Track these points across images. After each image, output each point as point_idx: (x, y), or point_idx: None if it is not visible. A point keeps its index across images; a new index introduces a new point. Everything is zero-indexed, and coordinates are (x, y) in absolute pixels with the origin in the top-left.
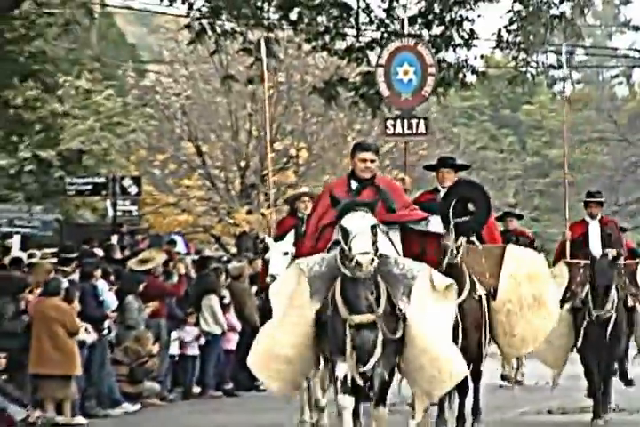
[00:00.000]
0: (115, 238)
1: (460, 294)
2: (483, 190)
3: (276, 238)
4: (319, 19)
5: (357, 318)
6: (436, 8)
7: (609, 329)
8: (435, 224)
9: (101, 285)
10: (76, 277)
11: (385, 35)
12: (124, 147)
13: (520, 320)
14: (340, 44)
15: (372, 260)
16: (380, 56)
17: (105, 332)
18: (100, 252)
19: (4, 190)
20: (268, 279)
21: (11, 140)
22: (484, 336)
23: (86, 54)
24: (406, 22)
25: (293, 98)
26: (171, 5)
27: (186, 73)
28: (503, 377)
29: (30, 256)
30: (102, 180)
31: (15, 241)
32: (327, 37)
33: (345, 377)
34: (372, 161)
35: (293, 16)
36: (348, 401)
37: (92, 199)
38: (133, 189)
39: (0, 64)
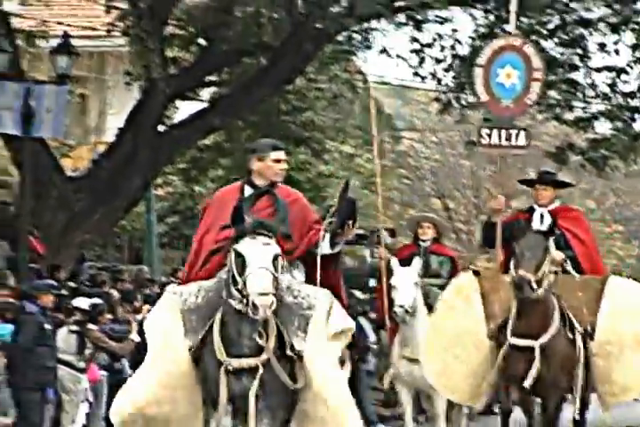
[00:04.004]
0: (372, 281)
1: (542, 333)
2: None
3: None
4: (550, 93)
5: (236, 362)
6: None
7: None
8: (324, 246)
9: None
10: None
11: (609, 107)
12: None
13: (620, 365)
14: (569, 115)
15: (272, 303)
16: (481, 54)
17: None
18: (358, 293)
19: None
20: (397, 309)
21: None
22: (578, 382)
23: (350, 123)
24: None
25: (529, 161)
26: (423, 81)
27: (435, 139)
28: None
29: None
30: (362, 231)
31: None
32: (557, 109)
33: None
34: (286, 162)
35: None
36: None
37: (353, 247)
38: (388, 239)
39: (276, 131)
